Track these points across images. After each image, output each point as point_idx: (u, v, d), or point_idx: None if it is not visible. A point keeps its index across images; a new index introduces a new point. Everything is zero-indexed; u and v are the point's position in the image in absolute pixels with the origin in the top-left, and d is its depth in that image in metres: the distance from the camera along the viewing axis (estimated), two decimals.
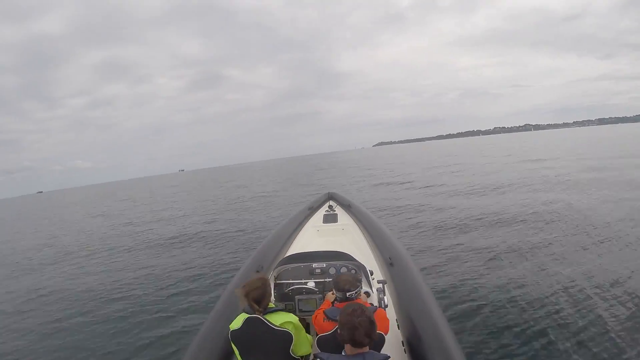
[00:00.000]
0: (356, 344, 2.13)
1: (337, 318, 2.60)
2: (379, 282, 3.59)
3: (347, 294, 2.82)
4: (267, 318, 2.56)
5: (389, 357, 2.21)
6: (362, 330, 2.11)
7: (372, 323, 2.17)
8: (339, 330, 2.24)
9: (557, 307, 5.49)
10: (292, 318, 2.69)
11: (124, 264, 9.76)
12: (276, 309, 2.72)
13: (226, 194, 30.04)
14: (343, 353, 2.24)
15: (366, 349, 2.17)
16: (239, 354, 2.64)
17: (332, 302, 3.16)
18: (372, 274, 3.75)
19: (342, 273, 3.50)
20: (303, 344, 2.71)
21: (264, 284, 2.71)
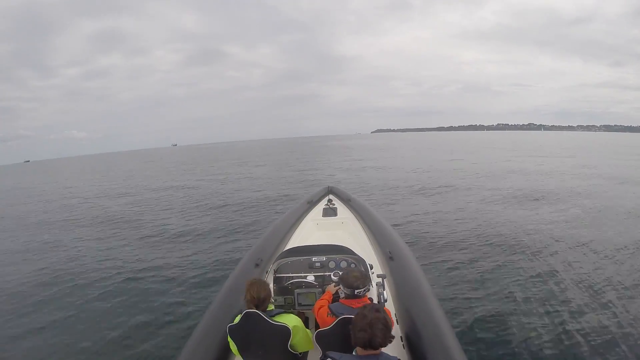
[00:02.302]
0: (371, 347, 2.16)
1: (342, 313, 2.68)
2: (378, 276, 3.64)
3: (356, 291, 2.86)
4: (273, 319, 2.62)
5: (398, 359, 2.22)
6: (380, 334, 2.13)
7: (388, 327, 2.21)
8: (352, 332, 2.23)
9: (557, 304, 5.71)
10: (296, 320, 2.76)
11: (112, 257, 9.53)
12: (278, 311, 2.81)
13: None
14: (354, 353, 2.28)
15: (379, 350, 2.21)
16: (237, 349, 2.73)
17: (334, 295, 3.23)
18: (371, 268, 3.84)
19: (351, 269, 3.56)
20: (305, 341, 2.82)
21: (266, 286, 2.79)
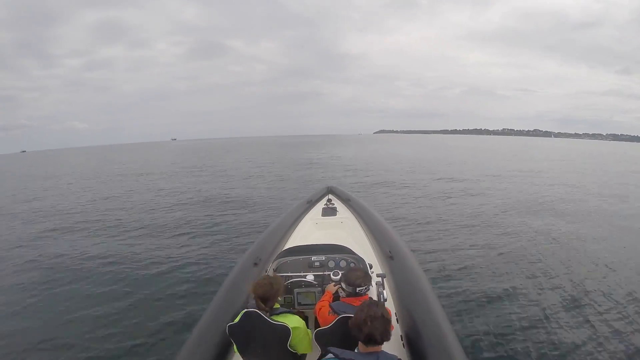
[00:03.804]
0: (372, 342, 2.21)
1: (344, 311, 2.71)
2: (378, 275, 3.67)
3: (357, 289, 2.92)
4: (277, 319, 2.64)
5: (400, 359, 2.27)
6: (380, 329, 2.20)
7: (388, 322, 2.28)
8: (352, 327, 2.30)
9: (558, 304, 5.82)
10: (298, 321, 2.77)
11: (108, 255, 9.48)
12: (283, 310, 2.82)
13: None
14: (356, 350, 2.31)
15: (380, 347, 2.25)
16: (237, 348, 2.76)
17: (333, 294, 3.27)
18: (371, 267, 3.87)
19: (353, 267, 3.62)
20: (305, 343, 2.83)
21: (273, 283, 2.79)
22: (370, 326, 2.18)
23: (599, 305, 5.83)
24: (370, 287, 3.17)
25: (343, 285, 3.05)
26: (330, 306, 2.91)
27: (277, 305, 2.83)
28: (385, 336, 2.24)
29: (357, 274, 3.00)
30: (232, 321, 2.72)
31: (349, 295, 2.98)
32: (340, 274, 3.45)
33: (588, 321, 5.38)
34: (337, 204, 7.50)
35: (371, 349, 2.22)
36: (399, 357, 2.27)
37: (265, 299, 2.68)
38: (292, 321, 2.72)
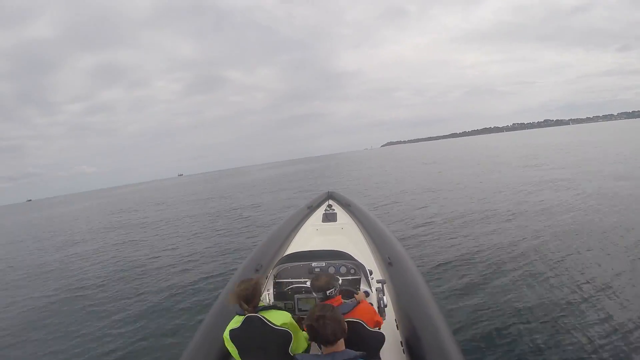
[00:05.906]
0: (324, 342, 2.24)
1: None
2: (378, 281, 3.70)
3: (327, 292, 2.94)
4: (264, 316, 2.64)
5: (362, 354, 2.24)
6: (327, 330, 2.20)
7: (338, 322, 2.26)
8: (306, 329, 2.33)
9: (559, 310, 5.56)
10: (287, 316, 2.78)
11: (113, 265, 9.77)
12: (268, 306, 2.82)
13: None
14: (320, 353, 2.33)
15: (341, 347, 2.26)
16: (238, 354, 2.71)
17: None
18: (371, 273, 3.87)
19: (317, 274, 3.51)
20: (300, 342, 2.84)
21: (255, 283, 2.83)
22: (316, 327, 2.21)
23: (611, 316, 5.34)
24: (338, 286, 3.17)
25: (314, 294, 3.09)
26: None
27: (261, 304, 2.86)
28: (336, 335, 2.23)
29: (321, 279, 3.01)
30: (231, 325, 2.72)
31: (322, 300, 2.99)
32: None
33: (596, 330, 5.02)
34: (338, 209, 7.56)
35: (330, 349, 2.23)
36: (361, 353, 2.23)
37: (248, 300, 2.70)
38: (280, 316, 2.74)
